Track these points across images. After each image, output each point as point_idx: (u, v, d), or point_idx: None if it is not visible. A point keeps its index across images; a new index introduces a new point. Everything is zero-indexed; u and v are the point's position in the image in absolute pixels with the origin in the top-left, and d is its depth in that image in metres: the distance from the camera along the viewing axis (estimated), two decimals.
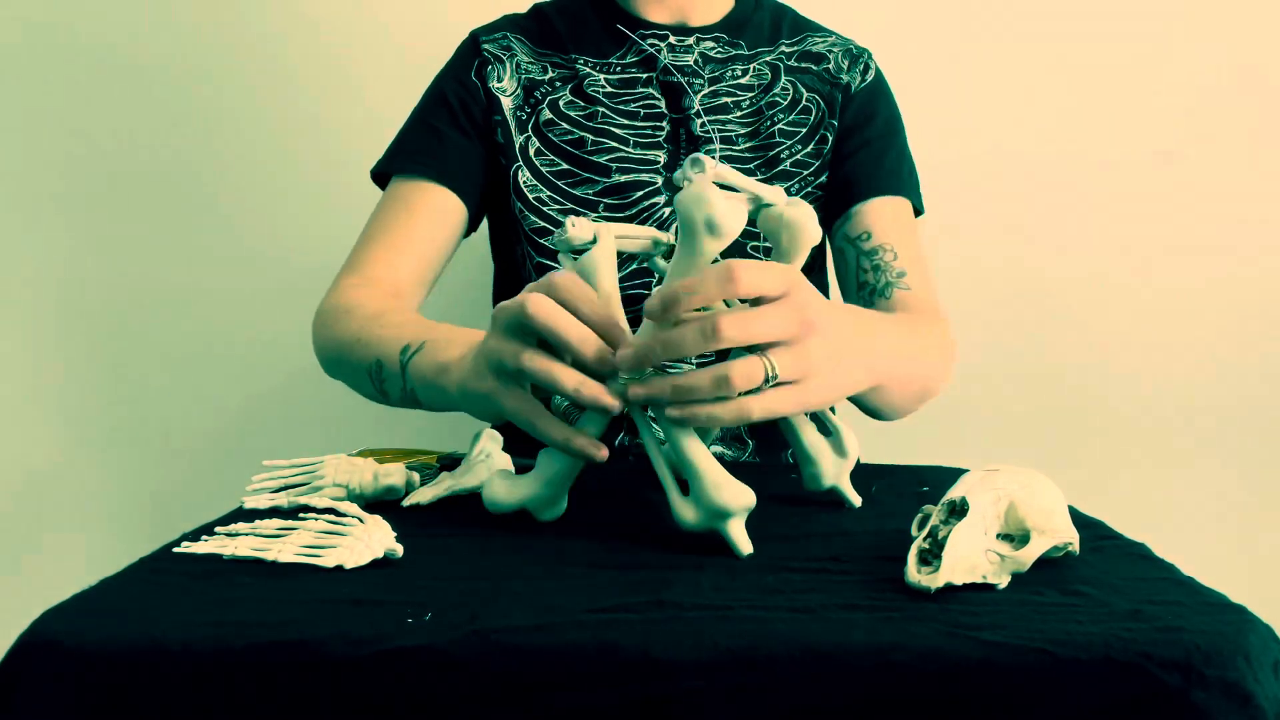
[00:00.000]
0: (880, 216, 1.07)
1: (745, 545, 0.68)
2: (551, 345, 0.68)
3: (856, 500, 0.83)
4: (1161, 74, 1.48)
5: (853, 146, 1.12)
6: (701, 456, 0.68)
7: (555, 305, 0.66)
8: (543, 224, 1.06)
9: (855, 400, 0.95)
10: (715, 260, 0.67)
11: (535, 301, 0.66)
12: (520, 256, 1.10)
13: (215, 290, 1.54)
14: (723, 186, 0.69)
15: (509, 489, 0.75)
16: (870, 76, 1.15)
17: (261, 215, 1.54)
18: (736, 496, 0.67)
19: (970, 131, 1.47)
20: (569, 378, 0.66)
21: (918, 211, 1.14)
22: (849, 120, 1.13)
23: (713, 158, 0.67)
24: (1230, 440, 1.51)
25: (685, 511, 0.69)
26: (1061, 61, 1.48)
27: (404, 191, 1.08)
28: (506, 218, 1.10)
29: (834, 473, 0.81)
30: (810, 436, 0.81)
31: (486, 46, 1.11)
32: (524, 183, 1.07)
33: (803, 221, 0.73)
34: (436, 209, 1.07)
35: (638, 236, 0.79)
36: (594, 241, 0.74)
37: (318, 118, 1.52)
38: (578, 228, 0.73)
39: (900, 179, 1.12)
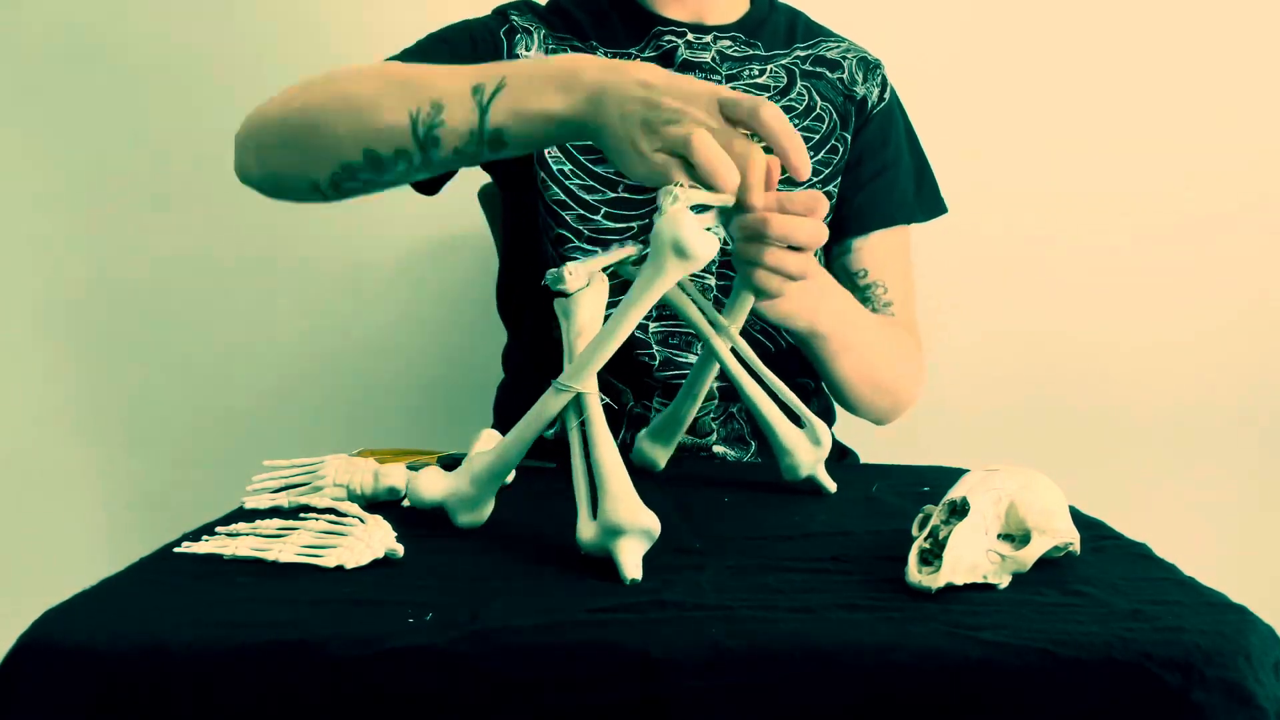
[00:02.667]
0: (877, 253, 1.14)
1: (630, 570, 0.63)
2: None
3: (832, 486, 0.85)
4: (1163, 77, 1.48)
5: (867, 174, 1.13)
6: (615, 476, 0.66)
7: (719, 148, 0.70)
8: (563, 196, 1.06)
9: (830, 389, 1.10)
10: (682, 282, 0.77)
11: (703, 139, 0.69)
12: (539, 228, 1.10)
13: (215, 290, 1.53)
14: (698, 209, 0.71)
15: (435, 485, 0.74)
16: (887, 95, 1.16)
17: (263, 215, 1.53)
18: (633, 515, 0.64)
19: (974, 133, 1.47)
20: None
21: (941, 210, 1.19)
22: (863, 144, 1.14)
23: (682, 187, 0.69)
24: (1230, 440, 1.51)
25: (584, 530, 0.66)
26: (1063, 62, 1.48)
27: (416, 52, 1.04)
28: (525, 186, 1.10)
29: (810, 463, 0.84)
30: (785, 430, 0.83)
31: (514, 18, 1.11)
32: (548, 153, 1.07)
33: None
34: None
35: (617, 259, 0.81)
36: (587, 285, 0.75)
37: None
38: (575, 276, 0.74)
39: (910, 203, 1.16)
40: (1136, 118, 1.48)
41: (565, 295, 0.75)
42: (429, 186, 1.07)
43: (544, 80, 0.77)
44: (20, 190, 1.53)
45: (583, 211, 1.06)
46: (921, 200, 1.18)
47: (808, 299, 0.93)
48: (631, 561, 0.64)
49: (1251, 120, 1.48)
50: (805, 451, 0.84)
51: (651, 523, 0.65)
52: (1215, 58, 1.48)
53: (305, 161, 0.87)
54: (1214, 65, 1.48)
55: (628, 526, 0.64)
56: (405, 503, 0.81)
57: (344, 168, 0.84)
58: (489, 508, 0.74)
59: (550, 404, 0.71)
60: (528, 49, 1.08)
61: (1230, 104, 1.48)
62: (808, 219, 0.77)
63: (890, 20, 1.45)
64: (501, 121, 0.78)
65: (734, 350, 0.85)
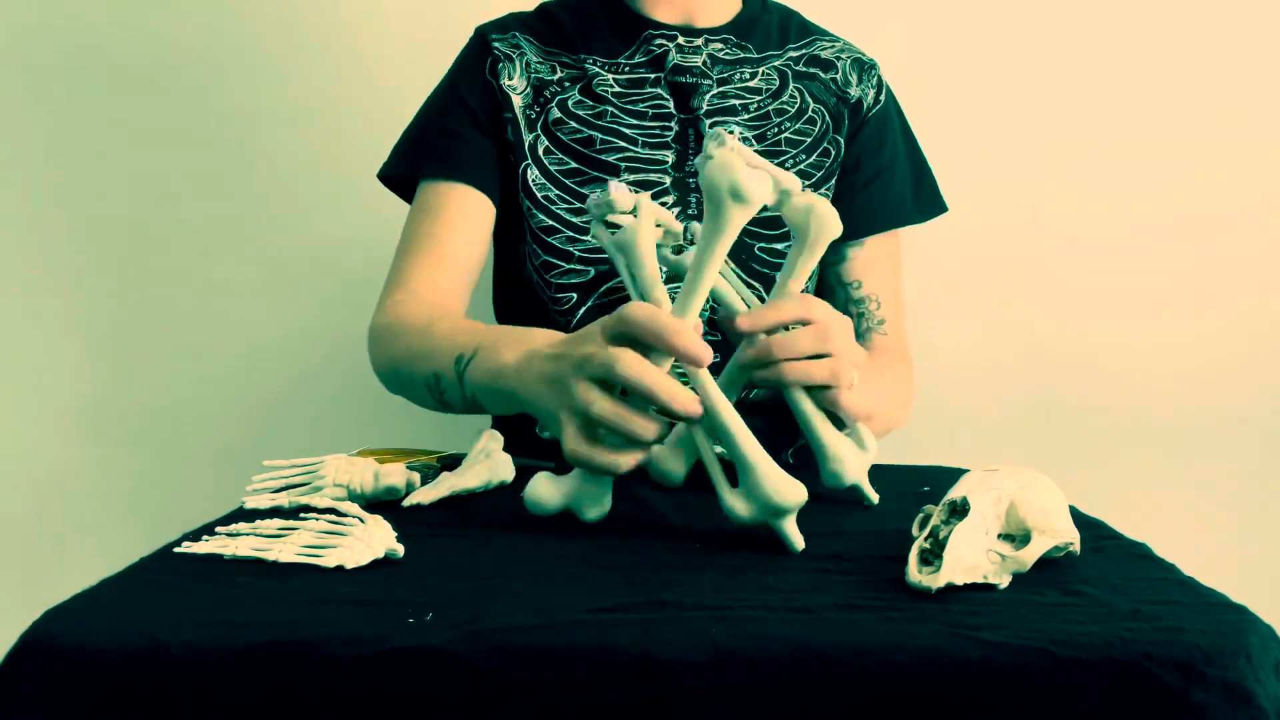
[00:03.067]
0: (872, 263, 1.13)
1: (799, 540, 0.69)
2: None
3: (875, 496, 0.83)
4: (1164, 75, 1.48)
5: (862, 180, 1.13)
6: (757, 452, 0.69)
7: (641, 362, 0.67)
8: (550, 222, 1.06)
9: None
10: (725, 274, 0.72)
11: (624, 361, 0.67)
12: (523, 255, 1.10)
13: (216, 291, 1.54)
14: None
15: (553, 490, 0.73)
16: (883, 97, 1.15)
17: (264, 216, 1.54)
18: (794, 493, 0.68)
19: (971, 131, 1.47)
20: (648, 429, 0.69)
21: (941, 209, 1.19)
22: (859, 149, 1.14)
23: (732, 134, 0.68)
24: (1230, 440, 1.51)
25: (738, 505, 0.69)
26: (1062, 59, 1.48)
27: (433, 198, 1.08)
28: (512, 215, 1.10)
29: (856, 469, 0.81)
30: (829, 434, 0.81)
31: (496, 45, 1.11)
32: (533, 181, 1.07)
33: (829, 217, 0.77)
34: (467, 211, 1.07)
35: (661, 223, 0.79)
36: (633, 212, 0.73)
37: (320, 120, 1.51)
38: (620, 192, 0.72)
39: (907, 206, 1.16)
40: (1137, 116, 1.48)
41: (609, 224, 0.72)
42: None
43: (502, 340, 0.82)
44: (22, 189, 1.53)
45: (571, 233, 1.06)
46: (920, 201, 1.17)
47: (868, 394, 0.85)
48: (796, 534, 0.69)
49: (1253, 119, 1.48)
50: (852, 458, 0.80)
51: (804, 495, 0.68)
52: (1218, 54, 1.48)
53: (414, 400, 1.00)
54: (1216, 62, 1.48)
55: (790, 505, 0.68)
56: (405, 503, 0.81)
57: (432, 407, 0.96)
58: (609, 497, 0.74)
59: None
60: (510, 78, 1.09)
61: (1232, 103, 1.48)
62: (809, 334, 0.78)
63: (886, 19, 1.45)
64: (471, 388, 0.85)
65: None
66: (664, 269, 0.80)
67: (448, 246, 1.06)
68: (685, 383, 0.72)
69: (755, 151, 1.08)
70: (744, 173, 0.65)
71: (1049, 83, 1.48)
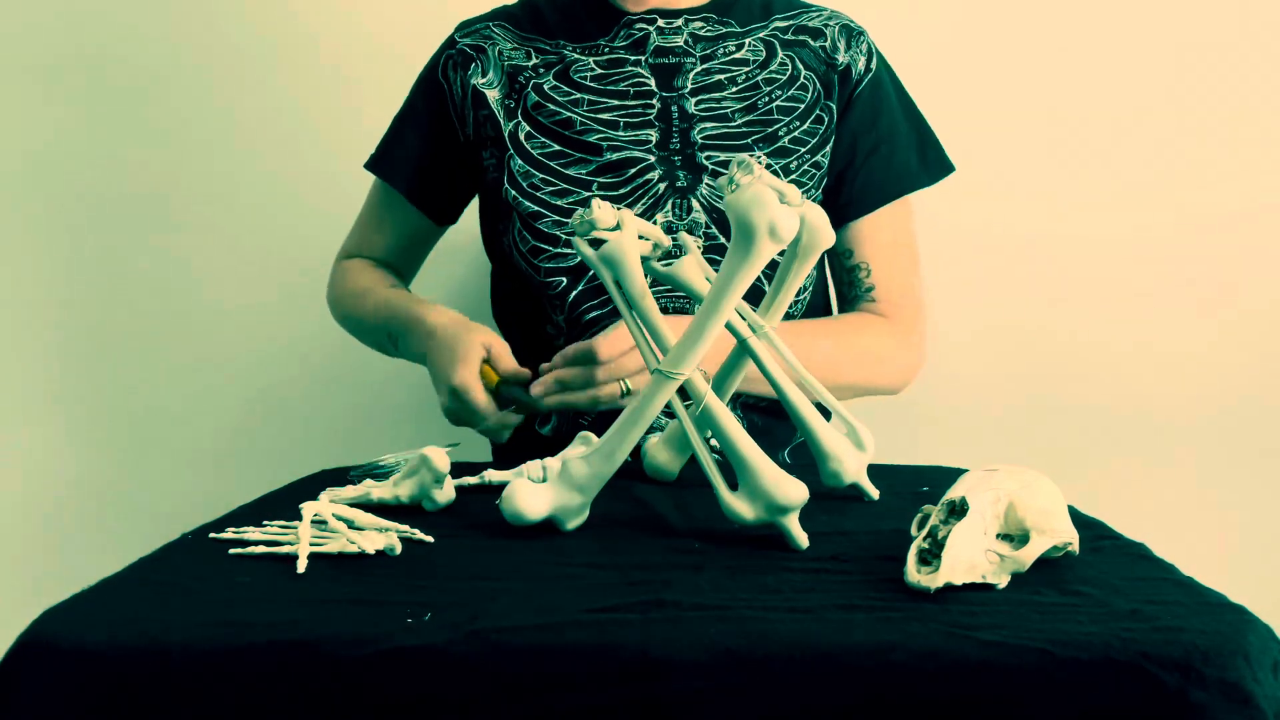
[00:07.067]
0: (870, 235, 1.13)
1: (803, 538, 0.69)
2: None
3: (874, 493, 0.83)
4: (1164, 60, 1.47)
5: (862, 154, 1.12)
6: (756, 454, 0.70)
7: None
8: (535, 207, 1.07)
9: None
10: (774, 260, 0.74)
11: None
12: (508, 246, 1.10)
13: (216, 293, 1.53)
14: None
15: (532, 501, 0.72)
16: (874, 64, 1.14)
17: (264, 220, 1.53)
18: (796, 491, 0.69)
19: (967, 119, 1.45)
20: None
21: (949, 169, 1.17)
22: (854, 123, 1.13)
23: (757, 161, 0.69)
24: (1230, 440, 1.50)
25: (741, 508, 0.70)
26: (1066, 49, 1.47)
27: (381, 195, 1.22)
28: (497, 207, 1.11)
29: (855, 468, 0.81)
30: (826, 434, 0.81)
31: (464, 42, 1.13)
32: (517, 170, 1.08)
33: (821, 226, 0.78)
34: (401, 224, 1.21)
35: (646, 236, 0.79)
36: (617, 228, 0.73)
37: (317, 125, 1.51)
38: (603, 210, 0.72)
39: (913, 171, 1.14)
40: (1142, 112, 1.48)
41: (591, 241, 0.73)
42: (448, 215, 1.22)
43: (411, 330, 1.07)
44: (26, 195, 1.53)
45: (557, 217, 1.06)
46: (926, 164, 1.16)
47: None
48: (799, 530, 0.70)
49: (1256, 118, 1.48)
50: (850, 457, 0.80)
51: (805, 493, 0.69)
52: (1223, 48, 1.47)
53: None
54: (1221, 57, 1.47)
55: (794, 504, 0.69)
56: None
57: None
58: (588, 509, 0.75)
59: (660, 391, 0.71)
60: (483, 74, 1.12)
61: (1236, 101, 1.47)
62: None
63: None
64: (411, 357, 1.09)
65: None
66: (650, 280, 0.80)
67: (383, 244, 1.23)
68: (684, 396, 0.73)
69: (747, 122, 1.09)
70: (780, 210, 0.65)
71: (1047, 76, 1.48)
